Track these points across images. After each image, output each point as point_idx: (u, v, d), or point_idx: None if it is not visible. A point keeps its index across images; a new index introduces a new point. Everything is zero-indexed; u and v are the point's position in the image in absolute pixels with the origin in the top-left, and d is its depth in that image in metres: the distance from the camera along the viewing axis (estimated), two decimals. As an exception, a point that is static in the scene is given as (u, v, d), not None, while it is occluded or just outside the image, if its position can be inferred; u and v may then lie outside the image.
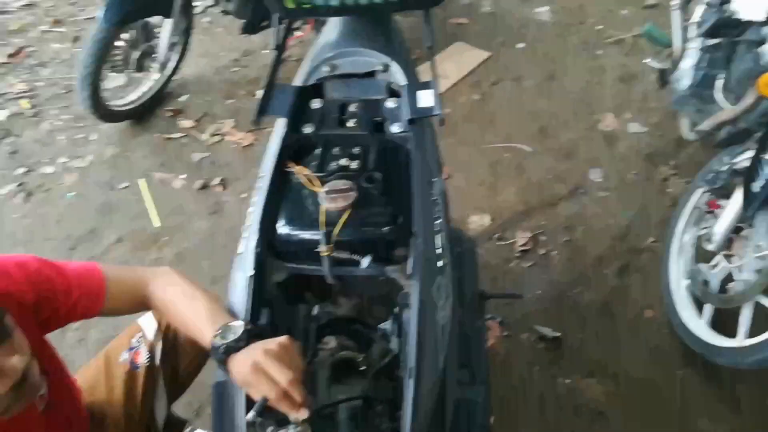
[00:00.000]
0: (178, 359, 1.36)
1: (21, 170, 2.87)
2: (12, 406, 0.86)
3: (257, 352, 0.94)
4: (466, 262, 1.54)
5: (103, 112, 2.83)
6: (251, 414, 0.91)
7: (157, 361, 1.32)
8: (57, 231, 2.59)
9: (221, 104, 3.12)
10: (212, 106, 3.11)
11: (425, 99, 1.26)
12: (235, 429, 1.14)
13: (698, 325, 1.88)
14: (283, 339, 0.98)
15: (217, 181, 2.73)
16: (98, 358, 1.35)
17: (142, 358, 1.30)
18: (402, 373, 1.14)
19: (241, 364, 0.95)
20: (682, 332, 1.92)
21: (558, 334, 2.02)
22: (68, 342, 2.17)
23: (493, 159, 2.64)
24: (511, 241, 2.32)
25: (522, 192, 2.50)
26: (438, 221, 1.18)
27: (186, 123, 3.02)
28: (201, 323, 1.07)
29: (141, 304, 1.17)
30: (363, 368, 1.20)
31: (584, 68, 3.06)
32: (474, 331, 1.34)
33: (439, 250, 1.16)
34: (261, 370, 0.92)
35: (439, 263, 1.15)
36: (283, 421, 0.97)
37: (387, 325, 1.24)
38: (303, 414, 0.92)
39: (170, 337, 1.34)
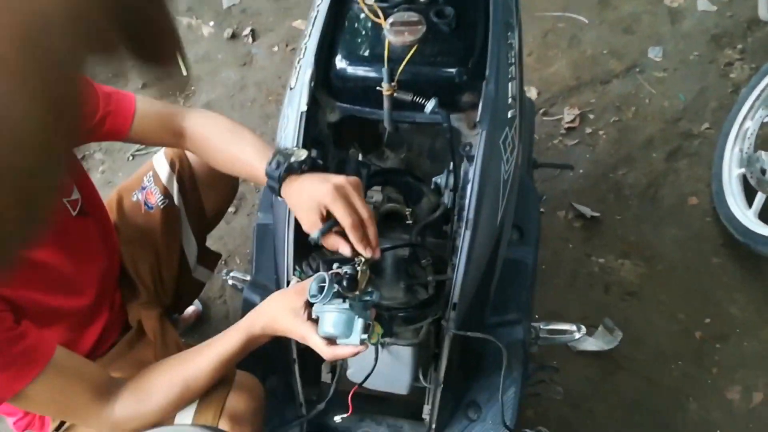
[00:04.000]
0: (200, 197, 1.33)
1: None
2: None
3: (339, 178, 0.89)
4: (524, 122, 1.45)
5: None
6: (316, 233, 0.87)
7: (176, 201, 1.28)
8: (81, 72, 2.48)
9: (253, -53, 2.87)
10: (243, -52, 2.87)
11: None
12: (279, 269, 1.12)
13: (746, 214, 1.81)
14: (355, 178, 0.92)
15: (247, 31, 2.57)
16: (110, 197, 1.31)
17: (156, 199, 1.27)
18: (453, 228, 1.10)
19: (314, 184, 0.90)
20: (728, 221, 1.86)
21: (597, 214, 1.96)
22: (96, 184, 2.14)
23: (546, 28, 2.45)
24: (558, 117, 2.21)
25: (574, 66, 2.34)
26: (512, 68, 1.08)
27: (215, -35, 2.80)
28: (248, 154, 1.01)
29: (173, 135, 1.09)
30: (409, 222, 1.15)
31: (656, -67, 2.76)
32: (528, 191, 1.28)
33: (510, 100, 1.07)
34: (344, 195, 0.87)
35: (509, 113, 1.06)
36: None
37: (440, 179, 1.17)
38: (369, 253, 0.88)
39: (186, 178, 1.29)
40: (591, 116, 2.21)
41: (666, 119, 2.19)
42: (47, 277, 0.98)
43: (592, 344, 1.67)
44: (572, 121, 2.18)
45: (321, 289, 0.86)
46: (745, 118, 1.93)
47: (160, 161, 1.29)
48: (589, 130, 2.17)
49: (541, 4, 2.52)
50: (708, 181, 2.01)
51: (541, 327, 1.29)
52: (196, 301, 1.78)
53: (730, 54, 2.35)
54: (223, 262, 1.92)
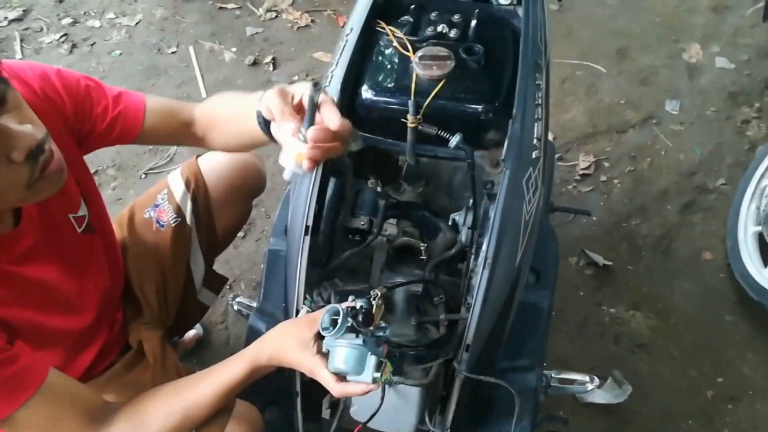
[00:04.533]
0: (213, 218, 1.31)
1: (67, 20, 2.75)
2: (34, 184, 0.76)
3: None
4: (546, 164, 1.43)
5: (156, -31, 2.67)
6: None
7: (188, 220, 1.26)
8: (101, 87, 2.50)
9: (279, -21, 2.93)
10: (269, -20, 2.92)
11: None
12: (288, 297, 1.09)
13: (762, 273, 1.78)
14: None
15: (268, 59, 2.59)
16: (122, 212, 1.30)
17: (168, 217, 1.25)
18: (470, 267, 1.07)
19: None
20: (742, 278, 1.82)
21: (609, 263, 1.94)
22: (106, 200, 2.13)
23: (565, 75, 2.46)
24: (573, 163, 2.20)
25: (590, 114, 2.34)
26: (538, 108, 1.07)
27: (241, -6, 2.85)
28: (248, 106, 0.96)
29: (184, 125, 1.08)
30: (423, 258, 1.13)
31: (676, -9, 2.80)
32: (547, 234, 1.26)
33: (535, 140, 1.05)
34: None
35: (534, 154, 1.05)
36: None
37: (459, 216, 1.15)
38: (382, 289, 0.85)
39: (200, 197, 1.27)
40: (606, 164, 2.20)
41: (681, 172, 2.18)
42: (47, 295, 0.94)
43: (600, 396, 1.61)
44: (587, 168, 2.17)
45: (334, 322, 0.83)
46: (762, 176, 1.91)
47: (175, 179, 1.28)
48: (603, 178, 2.16)
49: (560, 51, 2.55)
50: (722, 237, 1.98)
51: (553, 375, 1.25)
52: (198, 325, 1.74)
53: (747, 112, 2.35)
54: (228, 287, 1.89)
